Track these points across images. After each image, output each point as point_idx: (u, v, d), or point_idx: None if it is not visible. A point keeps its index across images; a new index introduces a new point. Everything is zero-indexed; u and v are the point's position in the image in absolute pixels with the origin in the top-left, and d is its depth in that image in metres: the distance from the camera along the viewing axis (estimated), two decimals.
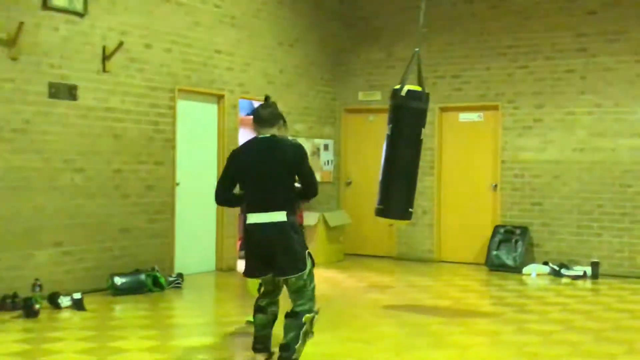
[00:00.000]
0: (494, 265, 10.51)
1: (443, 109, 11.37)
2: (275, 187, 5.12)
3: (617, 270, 10.11)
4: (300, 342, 5.04)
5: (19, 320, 6.75)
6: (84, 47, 8.11)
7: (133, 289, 8.11)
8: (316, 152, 11.62)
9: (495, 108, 11.06)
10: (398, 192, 6.87)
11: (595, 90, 10.40)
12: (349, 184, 12.10)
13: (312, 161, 11.12)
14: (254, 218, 5.10)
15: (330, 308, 7.68)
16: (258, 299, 5.34)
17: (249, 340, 5.42)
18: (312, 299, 5.15)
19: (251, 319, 5.52)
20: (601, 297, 8.67)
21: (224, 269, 9.93)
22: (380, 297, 8.42)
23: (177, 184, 9.24)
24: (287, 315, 5.10)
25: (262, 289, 5.33)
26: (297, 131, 11.28)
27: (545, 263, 10.34)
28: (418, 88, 6.98)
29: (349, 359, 5.71)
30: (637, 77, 10.17)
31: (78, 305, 7.25)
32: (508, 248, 10.51)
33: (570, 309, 7.83)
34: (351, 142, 12.17)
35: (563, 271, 10.02)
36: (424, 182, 11.36)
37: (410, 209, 6.95)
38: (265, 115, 5.25)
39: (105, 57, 8.28)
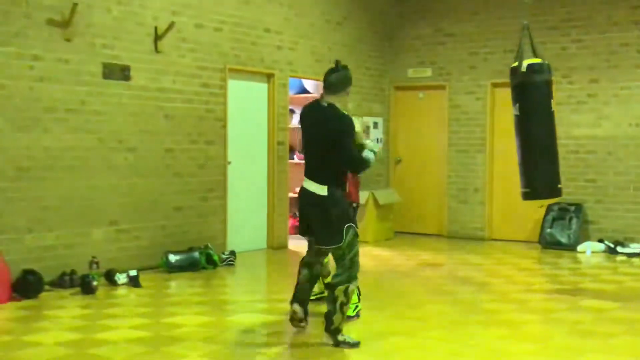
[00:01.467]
0: (548, 243, 10.38)
1: (495, 85, 11.20)
2: (320, 158, 5.18)
3: None
4: (337, 313, 5.20)
5: (77, 297, 6.92)
6: (136, 27, 8.20)
7: (187, 267, 8.23)
8: (366, 130, 11.58)
9: None
10: (544, 171, 6.72)
11: None
12: (399, 162, 12.05)
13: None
14: (304, 183, 5.29)
15: (380, 285, 7.69)
16: (306, 255, 5.52)
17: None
18: (350, 268, 5.25)
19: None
20: None
21: (275, 246, 10.00)
22: (431, 274, 8.39)
23: (229, 163, 9.32)
24: (326, 287, 5.35)
25: (306, 254, 5.54)
26: (347, 109, 11.24)
27: (600, 241, 10.17)
28: (537, 60, 6.81)
29: (401, 337, 5.71)
30: None
31: (134, 282, 7.40)
32: (562, 225, 10.36)
33: (625, 287, 7.70)
34: (401, 120, 12.09)
35: (618, 249, 9.85)
36: (475, 159, 11.26)
37: (559, 185, 6.82)
38: (332, 80, 5.25)
39: (157, 38, 8.36)
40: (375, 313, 6.26)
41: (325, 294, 5.61)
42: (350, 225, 5.23)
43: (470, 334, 5.81)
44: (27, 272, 6.90)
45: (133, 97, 8.19)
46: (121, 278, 7.44)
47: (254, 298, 7.23)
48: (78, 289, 7.11)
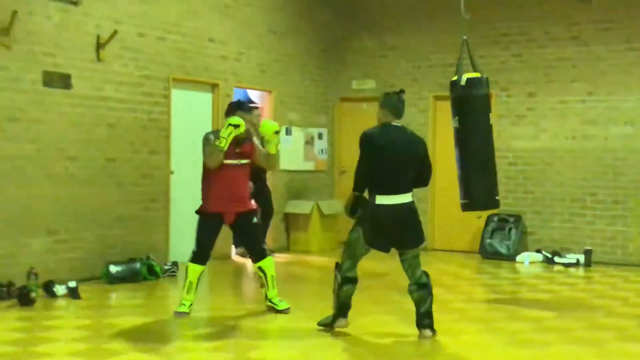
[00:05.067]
0: (488, 254, 10.57)
1: (437, 97, 11.37)
2: (408, 173, 5.75)
3: (609, 258, 10.19)
4: (429, 302, 5.90)
5: (15, 309, 6.77)
6: (78, 35, 8.10)
7: (128, 277, 8.13)
8: (310, 141, 11.65)
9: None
10: (482, 183, 6.81)
11: (587, 79, 10.44)
12: (343, 172, 12.13)
13: (305, 150, 11.18)
14: (386, 199, 5.66)
15: (324, 294, 7.72)
16: (346, 271, 5.86)
17: (246, 325, 5.43)
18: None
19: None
20: (594, 285, 8.74)
21: (217, 257, 9.93)
22: (373, 283, 8.46)
23: (172, 173, 9.25)
24: (419, 287, 5.83)
25: (348, 263, 5.85)
26: (291, 120, 11.30)
27: (539, 251, 10.40)
28: (476, 74, 6.93)
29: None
30: (629, 66, 10.23)
31: (73, 293, 7.28)
32: (501, 236, 10.57)
33: (562, 296, 7.89)
34: (345, 131, 12.18)
35: (556, 259, 10.09)
36: None
37: (496, 197, 6.94)
38: (402, 107, 5.84)
39: (100, 46, 8.27)
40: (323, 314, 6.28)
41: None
42: None
43: (411, 343, 5.88)
44: None
45: (74, 106, 8.07)
46: (60, 289, 7.30)
47: (196, 308, 7.16)
48: (15, 300, 6.96)
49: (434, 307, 5.94)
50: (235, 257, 10.26)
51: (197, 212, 6.63)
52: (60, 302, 7.12)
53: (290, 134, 11.23)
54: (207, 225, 6.57)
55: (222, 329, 6.21)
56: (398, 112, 5.83)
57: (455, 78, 6.93)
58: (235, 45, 10.24)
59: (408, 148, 5.77)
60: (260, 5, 10.71)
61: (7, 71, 7.41)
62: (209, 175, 6.58)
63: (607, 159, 10.29)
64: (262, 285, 6.77)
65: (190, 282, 6.52)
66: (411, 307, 7.24)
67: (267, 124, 6.64)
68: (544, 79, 10.71)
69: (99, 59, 8.30)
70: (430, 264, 10.13)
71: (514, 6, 10.87)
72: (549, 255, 10.17)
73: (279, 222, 11.09)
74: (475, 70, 6.98)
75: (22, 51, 7.54)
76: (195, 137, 9.69)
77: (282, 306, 6.69)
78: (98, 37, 8.27)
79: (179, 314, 6.50)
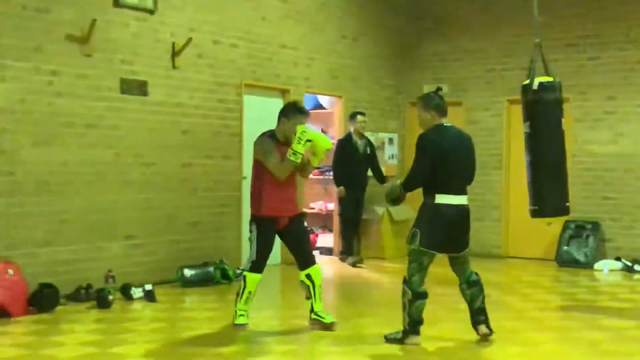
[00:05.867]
0: (564, 261, 10.30)
1: (512, 102, 11.17)
2: (467, 173, 5.79)
3: None
4: (483, 298, 5.93)
5: (93, 311, 6.93)
6: (154, 43, 8.26)
7: (201, 281, 8.24)
8: (381, 146, 11.58)
9: (566, 100, 10.75)
10: (552, 189, 6.71)
11: None
12: None
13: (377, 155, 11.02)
14: (448, 199, 5.63)
15: (394, 302, 7.65)
16: (417, 286, 5.70)
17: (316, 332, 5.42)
18: None
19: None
20: None
21: (289, 262, 9.96)
22: (448, 291, 8.33)
23: (244, 178, 9.33)
24: (471, 285, 5.89)
25: (417, 277, 5.70)
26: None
27: (618, 259, 10.09)
28: (549, 78, 6.83)
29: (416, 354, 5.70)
30: None
31: (149, 296, 7.41)
32: (579, 243, 10.29)
33: None
34: (416, 136, 12.03)
35: (636, 267, 9.76)
36: (491, 177, 11.21)
37: (567, 204, 6.82)
38: (445, 105, 5.81)
39: (175, 54, 8.42)
40: (392, 329, 6.22)
41: None
42: None
43: (487, 352, 5.76)
44: (44, 286, 6.93)
45: (150, 113, 8.23)
46: (137, 292, 7.45)
47: (269, 314, 7.20)
48: (94, 302, 7.12)
49: (494, 309, 5.83)
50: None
51: (252, 218, 6.34)
52: (137, 305, 7.25)
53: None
54: (265, 231, 6.27)
55: (291, 335, 6.21)
56: (444, 111, 5.80)
57: (527, 82, 6.79)
58: (306, 51, 10.28)
59: (465, 147, 5.79)
60: (331, 11, 10.73)
61: (86, 79, 7.61)
62: (262, 179, 6.26)
63: None
64: (307, 297, 6.35)
65: (250, 292, 6.23)
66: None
67: (323, 139, 6.25)
68: (623, 82, 10.39)
69: (174, 66, 8.45)
70: (505, 272, 9.97)
71: (594, 7, 10.58)
72: (629, 264, 9.85)
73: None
74: (548, 74, 6.83)
75: (101, 59, 7.73)
76: None
77: (328, 320, 6.29)
78: (173, 45, 8.42)
79: (239, 326, 6.23)
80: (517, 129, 11.11)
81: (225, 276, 8.45)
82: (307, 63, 10.30)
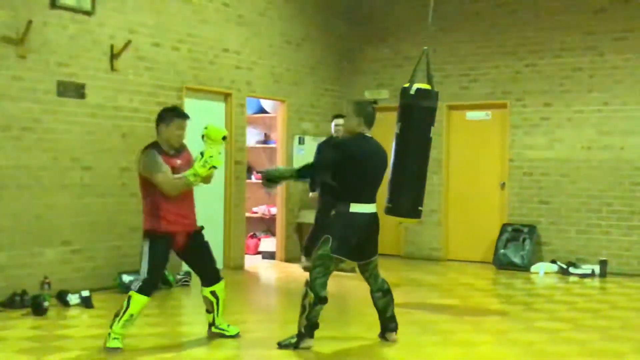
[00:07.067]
0: (502, 264, 10.50)
1: (451, 107, 11.35)
2: (379, 184, 5.94)
3: (625, 269, 10.09)
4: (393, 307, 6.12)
5: (28, 318, 6.79)
6: (92, 45, 8.14)
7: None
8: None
9: (504, 106, 11.04)
10: (407, 191, 6.81)
11: (603, 89, 10.37)
12: None
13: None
14: (362, 208, 5.76)
15: (338, 306, 7.69)
16: (321, 290, 5.64)
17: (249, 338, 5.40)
18: None
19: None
20: (609, 296, 8.65)
21: (231, 267, 9.94)
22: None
23: None
24: (385, 293, 6.02)
25: (321, 281, 5.65)
26: (305, 130, 11.30)
27: (553, 261, 10.33)
28: (427, 86, 6.94)
29: (360, 357, 5.71)
30: None
31: (86, 302, 7.28)
32: (516, 246, 10.49)
33: (578, 308, 7.82)
34: None
35: (571, 269, 10.01)
36: (431, 180, 11.29)
37: (419, 207, 6.91)
38: (374, 118, 5.98)
39: (113, 56, 8.31)
40: (335, 333, 6.24)
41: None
42: None
43: (426, 354, 5.84)
44: None
45: (88, 115, 8.10)
46: (73, 299, 7.31)
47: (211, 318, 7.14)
48: (29, 309, 6.97)
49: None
50: (249, 267, 10.24)
51: (146, 234, 5.81)
52: (73, 312, 7.13)
53: (303, 143, 11.22)
54: (159, 248, 5.75)
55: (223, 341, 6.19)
56: (371, 123, 5.96)
57: (407, 85, 6.91)
58: (248, 55, 10.25)
59: (382, 160, 5.95)
60: (274, 15, 10.73)
61: (22, 81, 7.45)
62: (156, 193, 5.75)
63: (624, 169, 10.21)
64: (208, 311, 6.11)
65: (132, 316, 5.65)
66: (424, 317, 7.21)
67: (215, 128, 5.85)
68: (559, 88, 10.65)
69: (112, 68, 8.33)
70: (444, 274, 10.10)
71: (529, 16, 10.83)
72: (564, 266, 10.10)
73: (292, 232, 11.08)
74: (428, 82, 6.97)
75: (37, 61, 7.58)
76: None
77: (232, 331, 6.13)
78: (112, 47, 8.31)
79: (112, 350, 5.60)
80: (456, 134, 11.34)
81: (165, 281, 8.36)
82: (249, 67, 10.27)
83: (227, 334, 6.12)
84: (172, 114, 5.98)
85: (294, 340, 5.74)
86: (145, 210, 5.84)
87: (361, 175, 5.78)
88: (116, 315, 5.69)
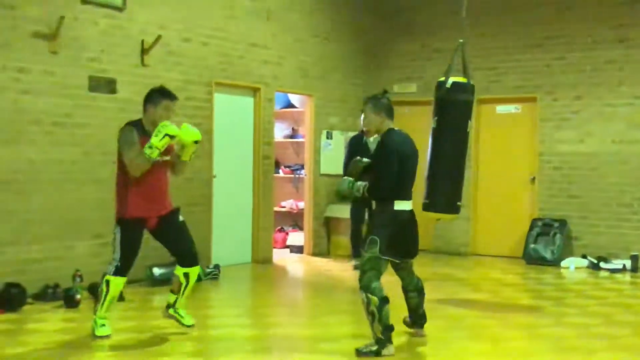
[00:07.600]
0: (532, 259, 10.42)
1: (480, 101, 11.27)
2: (414, 179, 5.73)
3: None
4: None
5: (60, 310, 6.87)
6: (123, 41, 8.21)
7: (170, 280, 8.17)
8: None
9: (533, 100, 10.95)
10: (445, 186, 6.74)
11: (634, 82, 10.25)
12: None
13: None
14: (403, 205, 5.60)
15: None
16: (380, 291, 5.43)
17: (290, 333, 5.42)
18: None
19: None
20: None
21: (259, 260, 9.99)
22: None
23: (214, 177, 9.31)
24: (419, 292, 5.99)
25: (377, 283, 5.45)
26: (332, 124, 11.30)
27: (584, 256, 10.23)
28: (463, 80, 6.89)
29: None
30: None
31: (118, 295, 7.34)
32: (546, 241, 10.42)
33: (609, 303, 7.75)
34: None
35: (602, 264, 9.92)
36: None
37: (458, 203, 6.85)
38: (392, 107, 5.81)
39: (144, 51, 8.37)
40: (362, 330, 6.25)
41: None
42: None
43: (455, 349, 5.83)
44: (10, 285, 6.85)
45: (119, 110, 8.16)
46: None
47: (239, 312, 7.20)
48: (61, 302, 7.06)
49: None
50: (277, 261, 10.28)
51: (117, 221, 5.79)
52: None
53: (331, 137, 11.23)
54: (129, 234, 5.77)
55: (265, 338, 6.21)
56: (392, 114, 5.80)
57: (442, 79, 6.86)
58: (276, 50, 10.27)
59: (416, 154, 5.78)
60: (302, 10, 10.74)
61: (53, 76, 7.54)
62: (127, 176, 5.70)
63: None
64: (173, 291, 6.05)
65: (112, 298, 5.76)
66: (453, 312, 7.20)
67: (189, 132, 5.72)
68: (589, 82, 10.53)
69: (143, 63, 8.39)
70: (473, 269, 10.07)
71: (560, 8, 10.72)
72: (595, 261, 10.00)
73: (319, 226, 11.09)
74: (464, 75, 6.91)
75: (69, 56, 7.66)
76: (237, 141, 9.82)
77: (187, 321, 6.06)
78: (142, 42, 8.37)
79: (102, 338, 5.73)
80: (486, 128, 11.26)
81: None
82: (277, 61, 10.29)
83: (182, 321, 6.05)
84: (161, 95, 5.83)
85: (374, 348, 5.42)
86: (117, 192, 5.82)
87: (404, 172, 5.60)
88: (97, 302, 5.85)
